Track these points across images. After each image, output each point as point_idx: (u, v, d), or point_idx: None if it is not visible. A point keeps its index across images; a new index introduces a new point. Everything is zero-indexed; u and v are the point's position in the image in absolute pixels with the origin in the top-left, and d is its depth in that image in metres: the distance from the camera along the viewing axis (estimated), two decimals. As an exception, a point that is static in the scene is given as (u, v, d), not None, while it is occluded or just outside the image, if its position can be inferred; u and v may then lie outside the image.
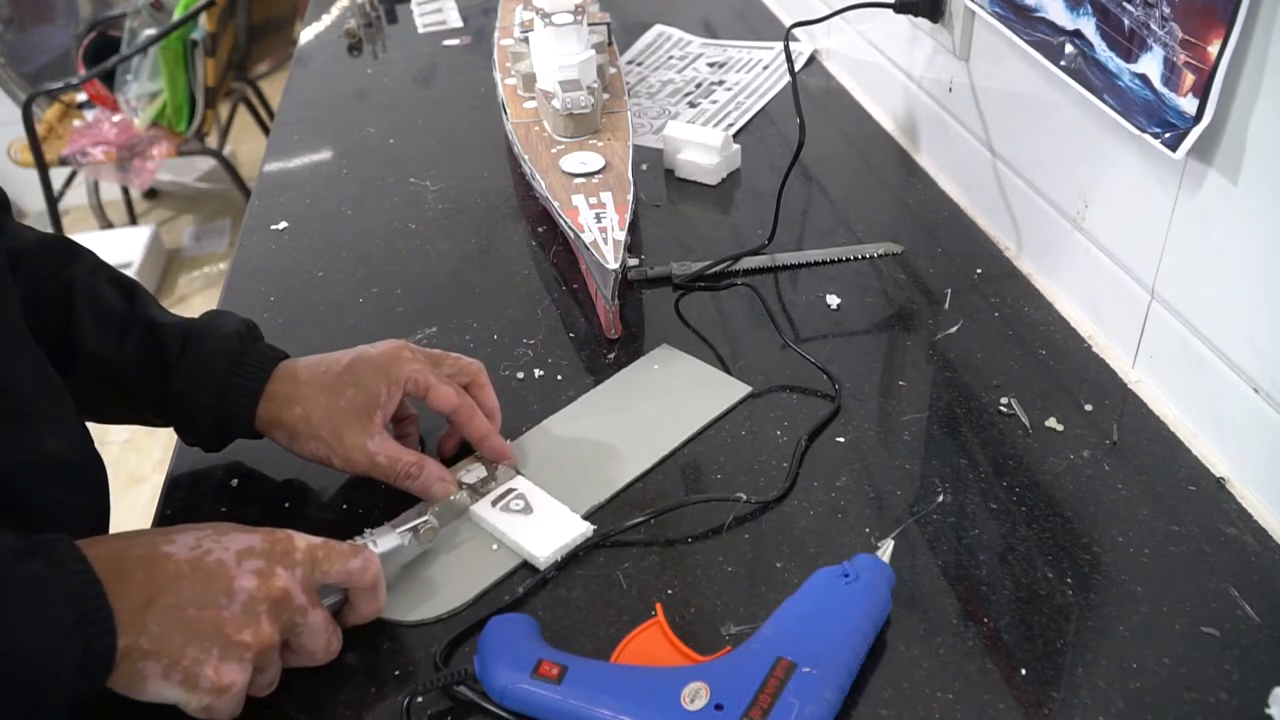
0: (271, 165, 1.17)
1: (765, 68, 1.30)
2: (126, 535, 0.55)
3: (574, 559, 0.65)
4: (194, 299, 2.73)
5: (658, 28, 1.44)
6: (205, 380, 0.68)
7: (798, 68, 1.24)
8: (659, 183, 1.08)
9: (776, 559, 0.65)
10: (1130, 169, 0.75)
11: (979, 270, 0.91)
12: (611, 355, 0.83)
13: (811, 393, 0.78)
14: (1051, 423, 0.74)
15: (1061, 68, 0.78)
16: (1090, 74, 0.74)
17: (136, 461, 2.14)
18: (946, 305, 0.87)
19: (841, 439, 0.74)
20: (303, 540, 0.57)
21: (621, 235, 0.83)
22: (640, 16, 1.47)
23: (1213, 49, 0.62)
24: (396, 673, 0.59)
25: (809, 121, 0.98)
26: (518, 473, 0.70)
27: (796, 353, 0.82)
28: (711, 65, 1.33)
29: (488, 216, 1.04)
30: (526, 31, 1.07)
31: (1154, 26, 0.66)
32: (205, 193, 3.16)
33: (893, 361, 0.81)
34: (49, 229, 2.60)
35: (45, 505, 0.59)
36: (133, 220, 3.00)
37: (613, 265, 0.80)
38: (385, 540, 0.62)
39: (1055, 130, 0.84)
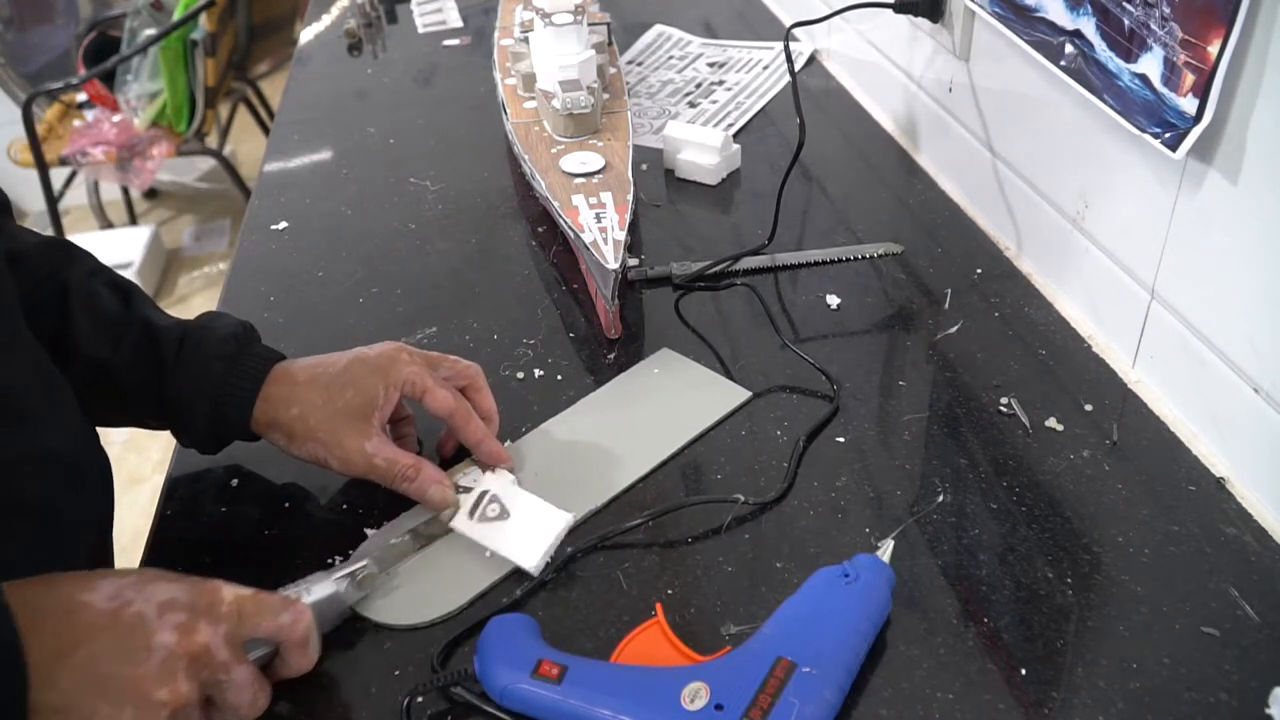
0: (271, 165, 1.17)
1: (765, 68, 1.30)
2: (46, 580, 0.52)
3: (573, 559, 0.65)
4: (194, 299, 2.73)
5: (658, 28, 1.44)
6: (201, 383, 0.68)
7: (798, 68, 1.24)
8: (659, 183, 1.08)
9: (776, 559, 0.65)
10: (1130, 169, 0.75)
11: (979, 270, 0.91)
12: (611, 355, 0.83)
13: (811, 393, 0.78)
14: (1051, 423, 0.74)
15: (1061, 68, 0.78)
16: (1090, 74, 0.74)
17: (136, 461, 2.14)
18: (946, 305, 0.87)
19: (841, 439, 0.74)
20: (230, 592, 0.54)
21: (621, 235, 0.83)
22: (640, 16, 1.47)
23: (1213, 49, 0.62)
24: (396, 673, 0.59)
25: (809, 121, 0.98)
26: (509, 473, 0.69)
27: (796, 353, 0.82)
28: (711, 65, 1.33)
29: (488, 216, 1.04)
30: (526, 31, 1.07)
31: (1154, 26, 0.66)
32: (205, 193, 3.16)
33: (893, 361, 0.81)
34: (49, 229, 2.61)
35: (46, 502, 0.59)
36: (133, 220, 3.00)
37: (613, 265, 0.80)
38: (320, 588, 0.60)
39: (1055, 130, 0.84)
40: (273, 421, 0.68)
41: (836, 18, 1.07)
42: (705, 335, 0.85)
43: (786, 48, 1.00)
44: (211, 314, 0.73)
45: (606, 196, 0.88)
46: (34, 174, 2.55)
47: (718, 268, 0.92)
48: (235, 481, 0.73)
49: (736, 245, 0.96)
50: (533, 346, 0.84)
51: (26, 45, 2.82)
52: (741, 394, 0.78)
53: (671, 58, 1.36)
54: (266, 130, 2.81)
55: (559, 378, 0.81)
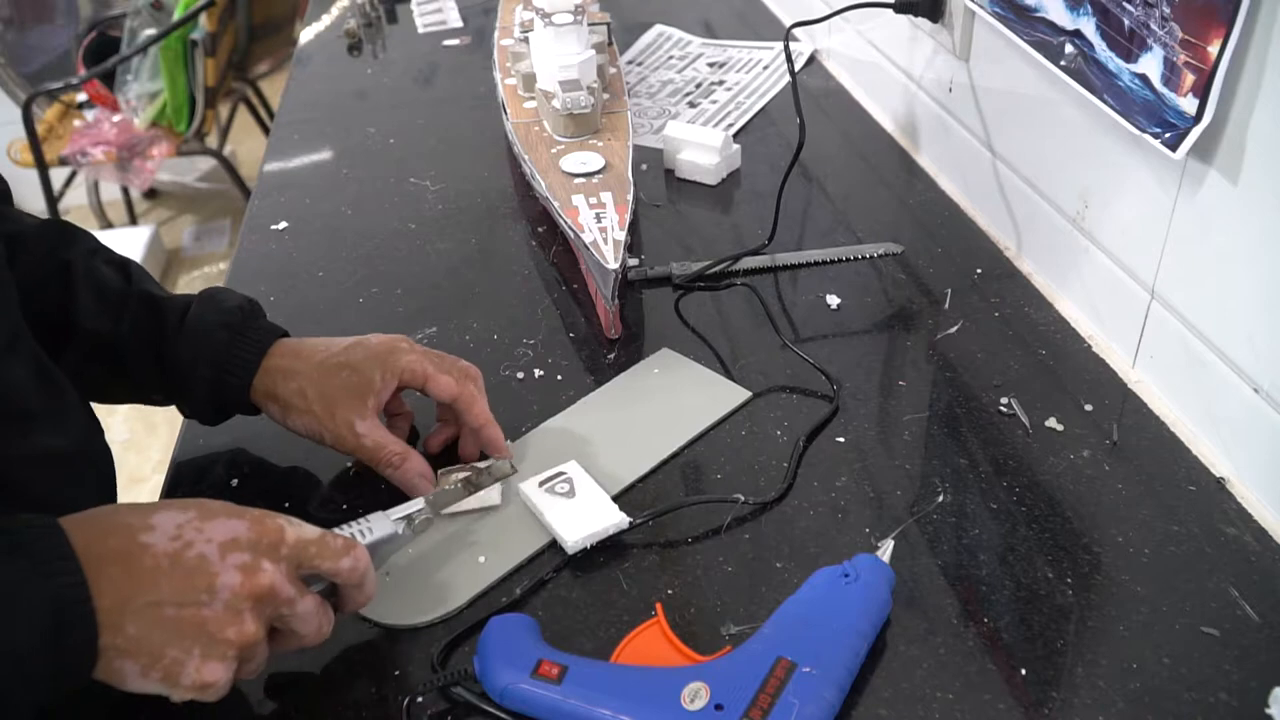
0: (271, 165, 1.17)
1: (765, 68, 1.30)
2: (106, 518, 0.52)
3: (573, 559, 0.65)
4: (194, 299, 2.73)
5: (658, 28, 1.44)
6: (204, 350, 0.69)
7: (798, 68, 1.24)
8: (659, 183, 1.08)
9: (776, 559, 0.65)
10: (1130, 169, 0.75)
11: (979, 270, 0.91)
12: (611, 355, 0.83)
13: (811, 393, 0.78)
14: (1051, 423, 0.74)
15: (1061, 68, 0.78)
16: (1090, 74, 0.74)
17: (136, 462, 2.14)
18: (946, 305, 0.87)
19: (841, 439, 0.74)
20: (293, 533, 0.55)
21: (621, 235, 0.83)
22: (640, 16, 1.47)
23: (1213, 49, 0.62)
24: (396, 673, 0.59)
25: (809, 121, 0.98)
26: (513, 469, 0.70)
27: (796, 353, 0.82)
28: (711, 65, 1.33)
29: (488, 216, 1.04)
30: (526, 31, 1.07)
31: (1154, 26, 0.66)
32: (205, 193, 3.16)
33: (893, 361, 0.81)
34: (49, 229, 2.60)
35: (48, 500, 0.59)
36: (133, 220, 3.00)
37: (613, 265, 0.80)
38: (380, 528, 0.61)
39: (1055, 130, 0.84)
40: (271, 393, 0.69)
41: (836, 18, 1.07)
42: (705, 335, 0.85)
43: (786, 48, 1.00)
44: (217, 288, 0.74)
45: (606, 196, 0.88)
46: (34, 174, 2.55)
47: (718, 268, 0.92)
48: (235, 482, 0.73)
49: (736, 245, 0.96)
50: (533, 346, 0.84)
51: (26, 45, 2.82)
52: (741, 394, 0.78)
53: (671, 58, 1.36)
54: (266, 130, 2.81)
55: (559, 378, 0.81)
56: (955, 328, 0.84)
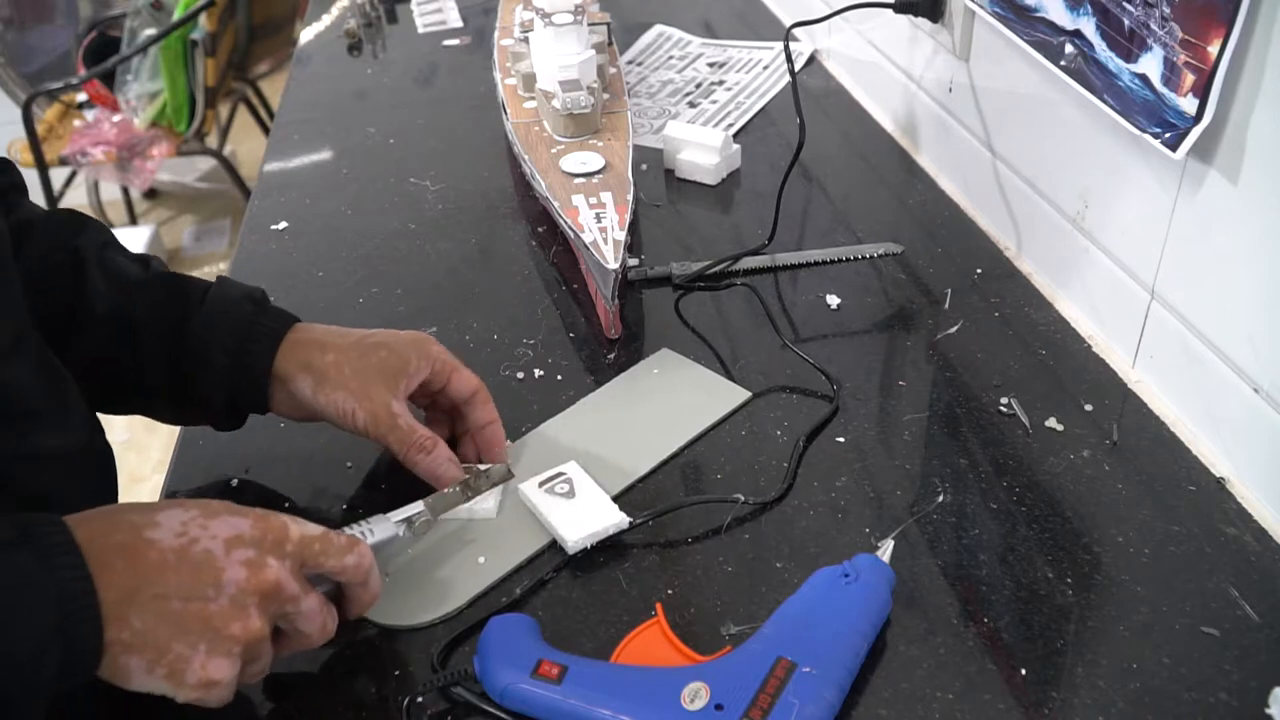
0: (271, 165, 1.17)
1: (765, 68, 1.30)
2: (110, 515, 0.52)
3: (573, 559, 0.65)
4: (194, 299, 2.73)
5: (658, 28, 1.44)
6: (229, 320, 0.68)
7: (798, 68, 1.24)
8: (659, 183, 1.08)
9: (776, 559, 0.65)
10: (1130, 169, 0.75)
11: (979, 270, 0.91)
12: (611, 355, 0.83)
13: (811, 393, 0.78)
14: (1051, 423, 0.74)
15: (1061, 68, 0.78)
16: (1090, 74, 0.74)
17: (136, 461, 2.14)
18: (946, 305, 0.87)
19: (841, 439, 0.74)
20: (297, 531, 0.55)
21: (621, 235, 0.83)
22: (640, 16, 1.47)
23: (1213, 49, 0.62)
24: (396, 673, 0.59)
25: (809, 121, 0.98)
26: (510, 473, 0.69)
27: (796, 353, 0.82)
28: (711, 65, 1.33)
29: (488, 216, 1.04)
30: (526, 31, 1.07)
31: (1154, 26, 0.66)
32: (205, 193, 3.16)
33: (893, 361, 0.81)
34: (49, 229, 2.60)
35: (50, 499, 0.59)
36: (133, 220, 3.00)
37: (613, 265, 0.80)
38: (381, 530, 0.62)
39: (1055, 130, 0.84)
40: (305, 364, 0.68)
41: (836, 18, 1.07)
42: (705, 335, 0.85)
43: (786, 48, 1.00)
44: (229, 278, 0.74)
45: (606, 196, 0.88)
46: (34, 174, 2.55)
47: (718, 268, 0.92)
48: (235, 482, 0.73)
49: (736, 245, 0.96)
50: (533, 346, 0.84)
51: (26, 45, 2.82)
52: (741, 394, 0.78)
53: (671, 58, 1.36)
54: (266, 130, 2.81)
55: (559, 378, 0.81)
56: (955, 328, 0.84)
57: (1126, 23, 0.69)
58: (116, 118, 2.53)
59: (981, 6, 0.88)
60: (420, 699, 0.57)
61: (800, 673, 0.54)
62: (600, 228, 0.84)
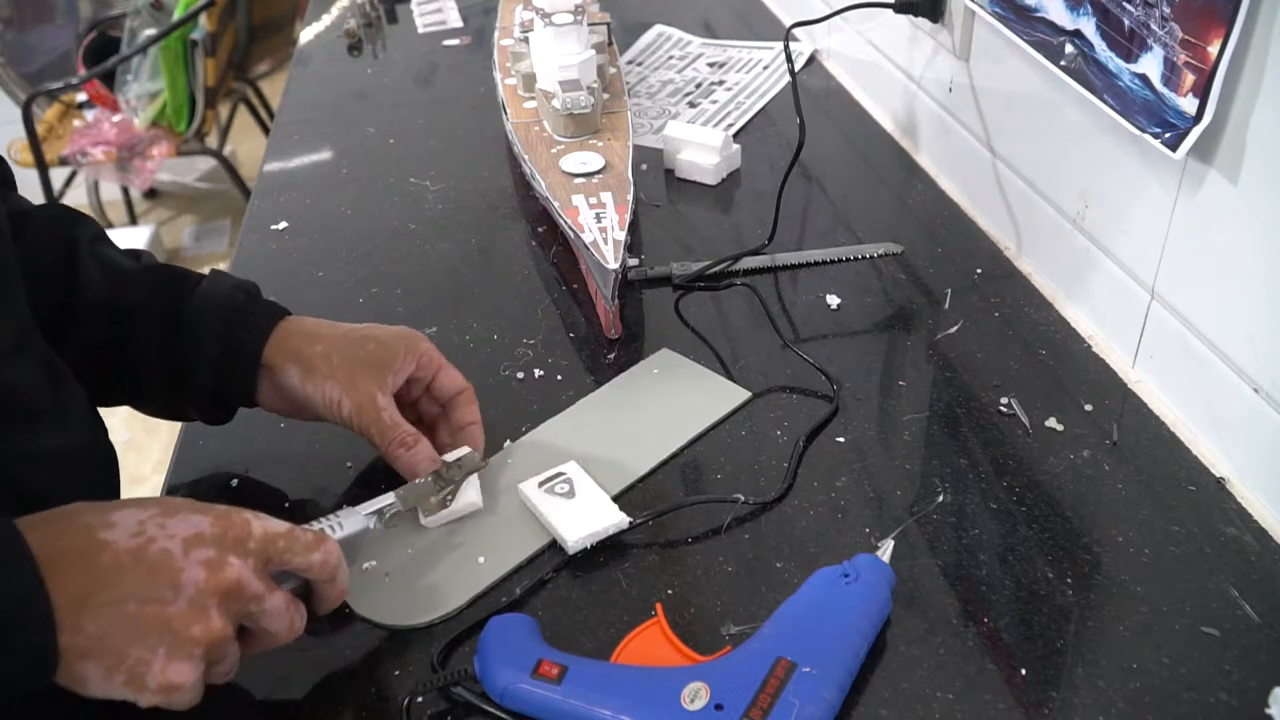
0: (271, 165, 1.17)
1: (765, 68, 1.30)
2: (64, 518, 0.50)
3: (573, 559, 0.65)
4: (194, 299, 2.73)
5: (658, 28, 1.44)
6: (220, 309, 0.68)
7: (798, 68, 1.24)
8: (659, 183, 1.08)
9: (776, 559, 0.65)
10: (1130, 169, 0.75)
11: (979, 270, 0.91)
12: (611, 355, 0.83)
13: (811, 393, 0.78)
14: (1051, 423, 0.73)
15: (1061, 68, 0.78)
16: (1090, 74, 0.74)
17: (136, 461, 2.14)
18: (946, 305, 0.87)
19: (841, 439, 0.74)
20: (260, 527, 0.53)
21: (621, 235, 0.83)
22: (640, 16, 1.47)
23: (1213, 49, 0.62)
24: (396, 673, 0.59)
25: (809, 121, 0.98)
26: (483, 462, 0.69)
27: (796, 353, 0.82)
28: (711, 65, 1.33)
29: (488, 216, 1.04)
30: (526, 31, 1.07)
31: (1154, 26, 0.66)
32: (205, 193, 3.16)
33: (893, 361, 0.81)
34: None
35: (49, 496, 0.59)
36: (133, 220, 3.00)
37: (613, 265, 0.80)
38: (350, 523, 0.61)
39: (1055, 130, 0.84)
40: (295, 354, 0.68)
41: (836, 18, 1.07)
42: (705, 335, 0.85)
43: (786, 48, 1.00)
44: (222, 270, 0.74)
45: (606, 196, 0.88)
46: (34, 174, 2.55)
47: (718, 268, 0.92)
48: (235, 482, 0.73)
49: (736, 245, 0.96)
50: (533, 346, 0.84)
51: (26, 45, 2.82)
52: (741, 394, 0.78)
53: (671, 58, 1.36)
54: (266, 130, 2.81)
55: (559, 378, 0.81)
56: (955, 328, 0.84)
57: (1126, 23, 0.69)
58: (116, 118, 2.53)
59: (981, 6, 0.88)
60: (420, 699, 0.57)
61: (800, 673, 0.54)
62: (600, 228, 0.84)
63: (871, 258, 0.93)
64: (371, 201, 1.07)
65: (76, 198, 2.92)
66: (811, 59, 1.32)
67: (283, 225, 1.03)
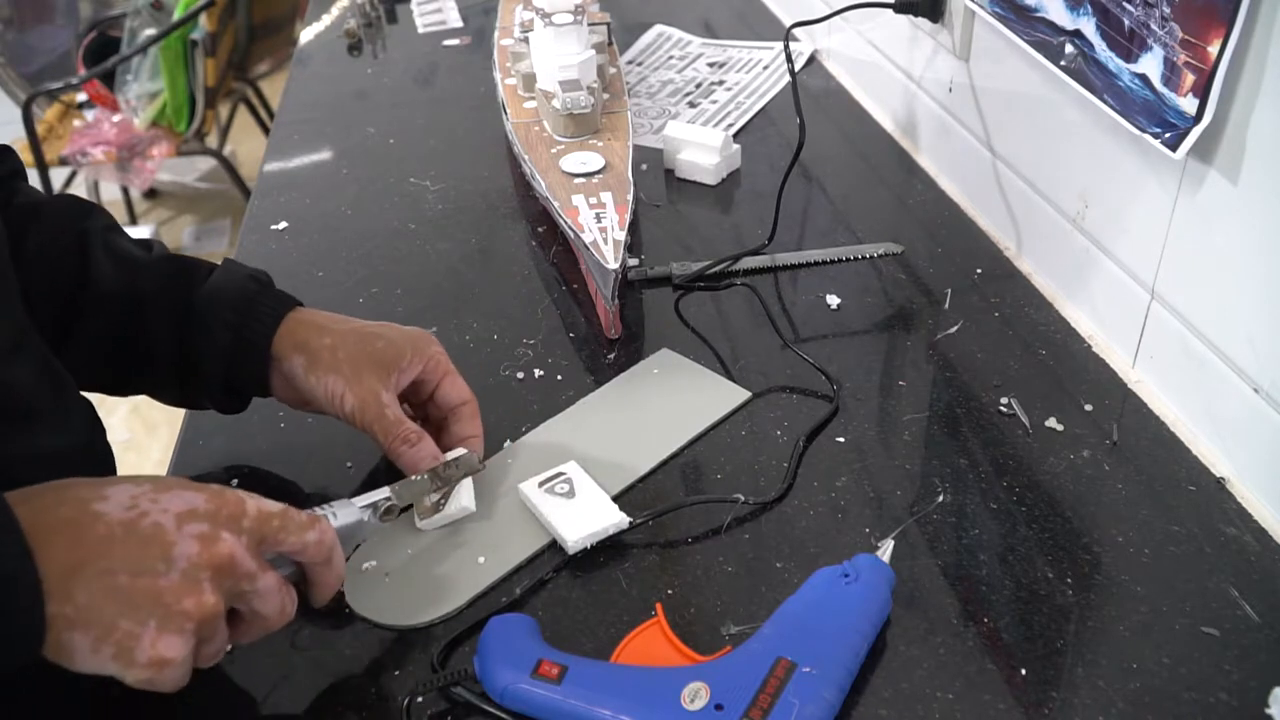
0: (271, 165, 1.17)
1: (765, 68, 1.30)
2: (57, 490, 0.50)
3: (573, 559, 0.65)
4: (194, 299, 2.73)
5: (658, 28, 1.44)
6: (231, 297, 0.68)
7: (798, 68, 1.24)
8: (659, 183, 1.08)
9: (776, 559, 0.65)
10: (1130, 169, 0.75)
11: (979, 270, 0.91)
12: (611, 355, 0.83)
13: (811, 393, 0.78)
14: (1051, 423, 0.73)
15: (1061, 68, 0.78)
16: (1090, 74, 0.74)
17: (136, 461, 2.14)
18: (946, 305, 0.87)
19: (841, 439, 0.74)
20: (255, 506, 0.52)
21: (621, 235, 0.83)
22: (640, 16, 1.47)
23: (1213, 49, 0.62)
24: (396, 673, 0.59)
25: (809, 121, 0.98)
26: (481, 465, 0.69)
27: (796, 353, 0.82)
28: (711, 65, 1.33)
29: (488, 216, 1.04)
30: (526, 31, 1.07)
31: (1154, 26, 0.66)
32: (205, 193, 3.16)
33: (893, 361, 0.81)
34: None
35: None
36: (133, 220, 3.00)
37: (613, 265, 0.80)
38: (345, 514, 0.60)
39: (1055, 130, 0.84)
40: (301, 344, 0.68)
41: (836, 18, 1.07)
42: (705, 335, 0.85)
43: (786, 48, 1.00)
44: (235, 260, 0.74)
45: (606, 196, 0.88)
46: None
47: (718, 268, 0.92)
48: (235, 481, 0.73)
49: (736, 245, 0.96)
50: (533, 346, 0.84)
51: (26, 45, 2.82)
52: (741, 394, 0.78)
53: (671, 58, 1.36)
54: (266, 130, 2.81)
55: (559, 378, 0.81)
56: (955, 328, 0.84)
57: (1126, 23, 0.69)
58: (116, 118, 2.53)
59: (981, 6, 0.88)
60: (420, 699, 0.57)
61: (800, 673, 0.54)
62: (600, 228, 0.84)
63: (871, 258, 0.93)
64: (371, 201, 1.07)
65: (76, 198, 2.92)
66: (811, 59, 1.32)
67: (283, 225, 1.03)
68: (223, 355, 0.68)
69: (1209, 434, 0.71)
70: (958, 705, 0.56)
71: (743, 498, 0.68)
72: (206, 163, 3.11)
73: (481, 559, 0.65)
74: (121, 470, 0.68)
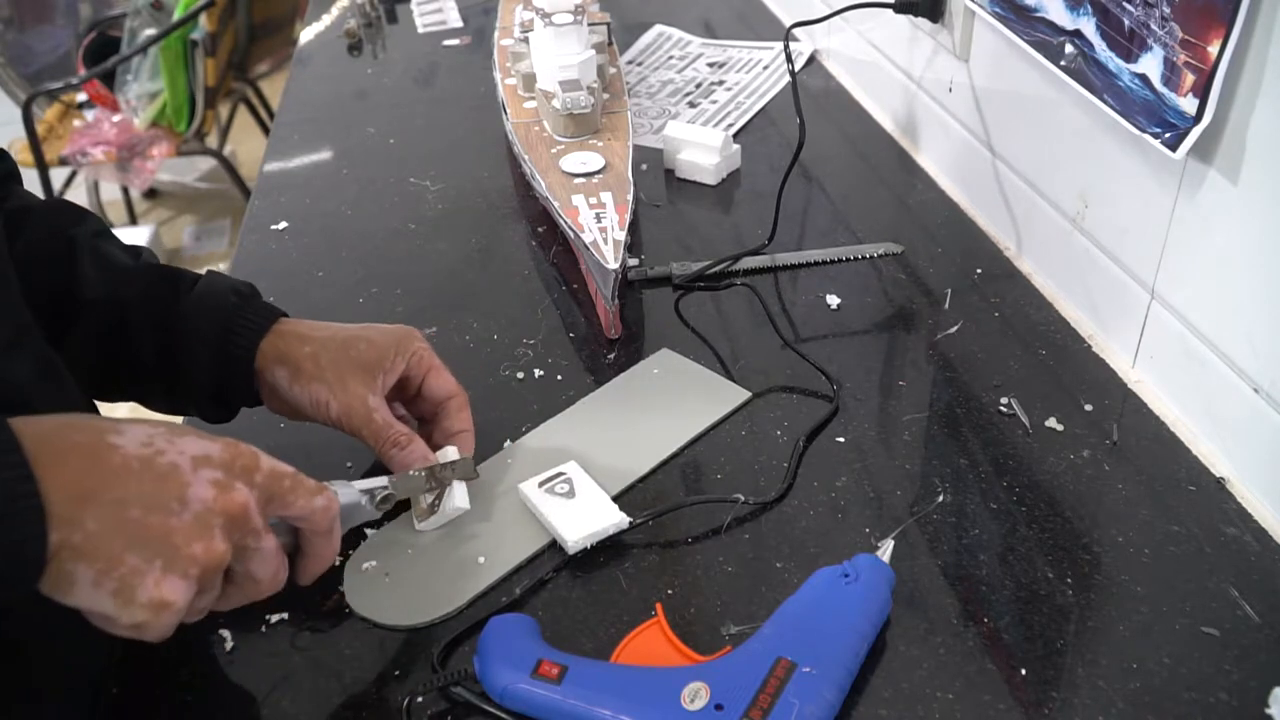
0: (271, 165, 1.17)
1: (765, 68, 1.30)
2: (70, 418, 0.48)
3: (573, 559, 0.65)
4: (194, 299, 2.73)
5: (658, 28, 1.44)
6: (213, 312, 0.68)
7: (798, 68, 1.24)
8: (659, 183, 1.08)
9: (776, 559, 0.65)
10: (1130, 169, 0.75)
11: (979, 270, 0.91)
12: (611, 355, 0.83)
13: (811, 393, 0.78)
14: (1051, 423, 0.73)
15: (1061, 68, 0.78)
16: (1090, 74, 0.74)
17: (136, 461, 2.14)
18: (946, 305, 0.87)
19: (841, 439, 0.74)
20: (268, 463, 0.52)
21: (621, 235, 0.83)
22: (640, 16, 1.47)
23: (1213, 49, 0.62)
24: (396, 673, 0.59)
25: (809, 121, 0.98)
26: (476, 473, 0.69)
27: (796, 353, 0.82)
28: (711, 65, 1.33)
29: (488, 216, 1.04)
30: (526, 31, 1.07)
31: (1154, 26, 0.66)
32: (205, 193, 3.16)
33: (893, 361, 0.81)
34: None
35: None
36: (133, 220, 3.00)
37: (613, 265, 0.80)
38: (344, 494, 0.60)
39: (1055, 130, 0.84)
40: (282, 356, 0.68)
41: (836, 18, 1.07)
42: (705, 335, 0.85)
43: (786, 48, 1.00)
44: (219, 271, 0.73)
45: (606, 196, 0.88)
46: (34, 174, 2.55)
47: (718, 268, 0.92)
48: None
49: (736, 245, 0.96)
50: (533, 346, 0.84)
51: (26, 45, 2.82)
52: (741, 394, 0.78)
53: (671, 58, 1.36)
54: (266, 130, 2.81)
55: (559, 378, 0.81)
56: (955, 328, 0.84)
57: (1126, 23, 0.69)
58: (116, 118, 2.53)
59: (981, 6, 0.88)
60: (420, 699, 0.57)
61: (800, 673, 0.54)
62: (600, 228, 0.84)
63: (871, 258, 0.93)
64: (371, 201, 1.07)
65: (76, 198, 2.88)
66: (811, 59, 1.32)
67: (283, 225, 1.03)
68: (206, 369, 0.68)
69: (1209, 434, 0.71)
70: (958, 705, 0.56)
71: (743, 498, 0.68)
72: (206, 163, 3.11)
73: (481, 559, 0.65)
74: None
